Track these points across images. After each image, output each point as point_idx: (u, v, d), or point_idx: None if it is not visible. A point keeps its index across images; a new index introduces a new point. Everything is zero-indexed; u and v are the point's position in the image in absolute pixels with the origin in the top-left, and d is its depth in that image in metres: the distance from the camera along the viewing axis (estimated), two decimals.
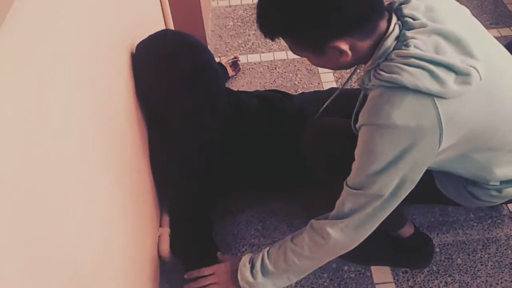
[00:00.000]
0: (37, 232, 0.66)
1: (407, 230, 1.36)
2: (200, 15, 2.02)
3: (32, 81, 0.67)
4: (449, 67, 0.89)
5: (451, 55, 0.90)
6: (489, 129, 1.00)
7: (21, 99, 0.64)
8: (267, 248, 1.19)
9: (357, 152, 0.99)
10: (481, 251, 1.42)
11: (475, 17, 1.07)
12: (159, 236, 1.46)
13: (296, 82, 2.00)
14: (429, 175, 1.15)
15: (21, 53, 0.65)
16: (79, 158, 0.84)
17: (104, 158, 1.00)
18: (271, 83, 1.99)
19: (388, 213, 1.02)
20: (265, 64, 2.08)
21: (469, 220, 1.50)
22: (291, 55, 2.12)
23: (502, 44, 1.09)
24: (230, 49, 2.18)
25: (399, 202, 1.01)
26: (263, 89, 1.91)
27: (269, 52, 2.15)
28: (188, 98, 1.26)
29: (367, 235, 1.06)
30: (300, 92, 1.80)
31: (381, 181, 0.96)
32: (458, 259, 1.41)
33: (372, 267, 1.40)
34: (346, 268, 1.41)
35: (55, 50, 0.77)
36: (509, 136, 1.04)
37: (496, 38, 1.09)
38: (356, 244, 1.08)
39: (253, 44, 2.18)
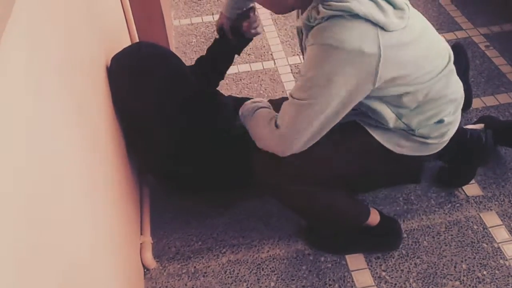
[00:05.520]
0: (23, 239, 0.66)
1: (374, 219, 1.46)
2: (165, 33, 2.10)
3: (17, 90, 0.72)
4: (388, 1, 1.04)
5: None
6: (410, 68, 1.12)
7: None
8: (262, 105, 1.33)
9: (304, 67, 1.10)
10: (445, 233, 1.54)
11: None
12: (141, 243, 1.50)
13: (261, 92, 2.10)
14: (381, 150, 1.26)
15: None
16: (58, 170, 0.84)
17: (85, 168, 1.02)
18: (238, 94, 2.08)
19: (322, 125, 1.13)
20: (230, 77, 2.17)
21: (431, 206, 1.62)
22: (255, 67, 2.23)
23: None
24: None
25: (331, 116, 1.12)
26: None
27: (233, 65, 2.22)
28: (164, 104, 1.33)
29: (301, 144, 1.16)
30: (266, 100, 1.89)
31: (321, 93, 1.07)
32: (424, 241, 1.52)
33: (347, 256, 1.49)
34: (322, 259, 1.49)
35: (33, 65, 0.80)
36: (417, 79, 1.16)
37: None
38: (288, 149, 1.18)
39: None
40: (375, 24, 1.01)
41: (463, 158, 1.59)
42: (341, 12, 1.01)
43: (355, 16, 1.01)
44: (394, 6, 1.05)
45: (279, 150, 1.20)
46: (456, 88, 1.28)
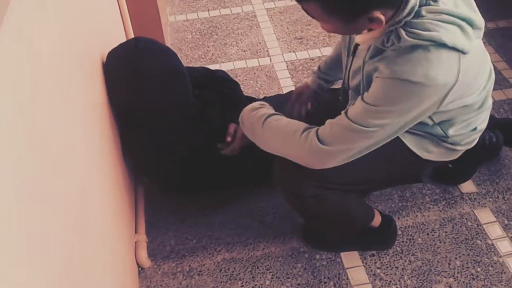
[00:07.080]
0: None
1: (377, 220, 1.46)
2: (160, 29, 2.09)
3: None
4: (469, 21, 0.96)
5: (465, 9, 0.98)
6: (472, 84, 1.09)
7: None
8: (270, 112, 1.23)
9: (373, 95, 1.01)
10: (439, 230, 1.55)
11: None
12: (135, 242, 1.50)
13: (257, 88, 2.09)
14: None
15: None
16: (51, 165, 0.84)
17: (80, 166, 1.02)
18: None
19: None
20: None
21: (425, 203, 1.62)
22: (250, 64, 2.22)
23: None
24: (191, 60, 2.25)
25: (383, 139, 1.07)
26: None
27: (229, 61, 2.23)
28: (161, 100, 1.32)
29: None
30: (262, 97, 1.89)
31: (390, 123, 1.02)
32: (419, 239, 1.53)
33: (342, 253, 1.49)
34: (318, 256, 1.49)
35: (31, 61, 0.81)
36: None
37: None
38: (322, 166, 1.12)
39: (212, 55, 2.27)
40: (458, 50, 0.95)
41: (473, 157, 1.54)
42: (427, 42, 0.93)
43: (442, 45, 0.94)
44: (473, 26, 0.98)
45: (315, 164, 1.12)
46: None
